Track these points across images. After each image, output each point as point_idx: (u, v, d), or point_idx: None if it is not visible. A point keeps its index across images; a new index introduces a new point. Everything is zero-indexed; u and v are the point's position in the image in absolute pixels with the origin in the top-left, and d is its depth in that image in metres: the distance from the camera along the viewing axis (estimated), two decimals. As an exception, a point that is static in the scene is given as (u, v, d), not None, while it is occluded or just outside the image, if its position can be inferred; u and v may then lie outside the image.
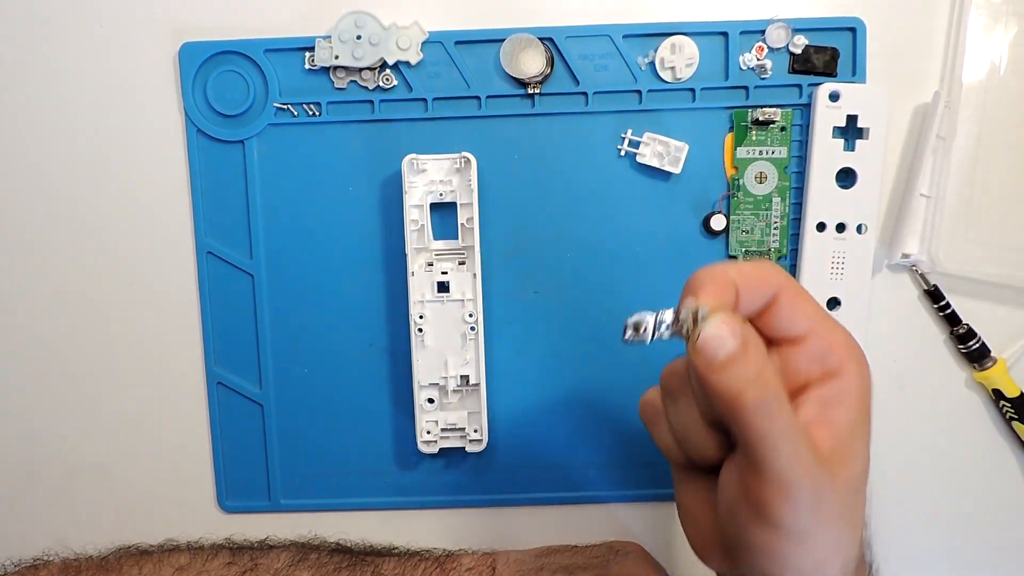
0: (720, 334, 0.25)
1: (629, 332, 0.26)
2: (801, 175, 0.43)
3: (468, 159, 0.41)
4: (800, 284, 0.32)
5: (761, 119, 0.42)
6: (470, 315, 0.42)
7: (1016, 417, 0.44)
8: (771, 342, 0.28)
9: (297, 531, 0.46)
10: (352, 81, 0.43)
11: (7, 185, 0.45)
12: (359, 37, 0.42)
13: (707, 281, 0.26)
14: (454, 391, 0.43)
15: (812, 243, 0.42)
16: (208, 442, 0.45)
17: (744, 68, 0.42)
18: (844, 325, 0.28)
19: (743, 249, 0.43)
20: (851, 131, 0.42)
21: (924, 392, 0.45)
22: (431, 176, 0.42)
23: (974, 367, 0.44)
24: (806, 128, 0.43)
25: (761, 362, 0.25)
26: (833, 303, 0.43)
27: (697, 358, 0.25)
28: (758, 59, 0.42)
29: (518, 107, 0.43)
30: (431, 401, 0.43)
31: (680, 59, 0.42)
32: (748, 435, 0.25)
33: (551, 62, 0.42)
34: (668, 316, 0.26)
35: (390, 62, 0.42)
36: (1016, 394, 0.43)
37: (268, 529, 0.46)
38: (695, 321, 0.25)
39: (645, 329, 0.26)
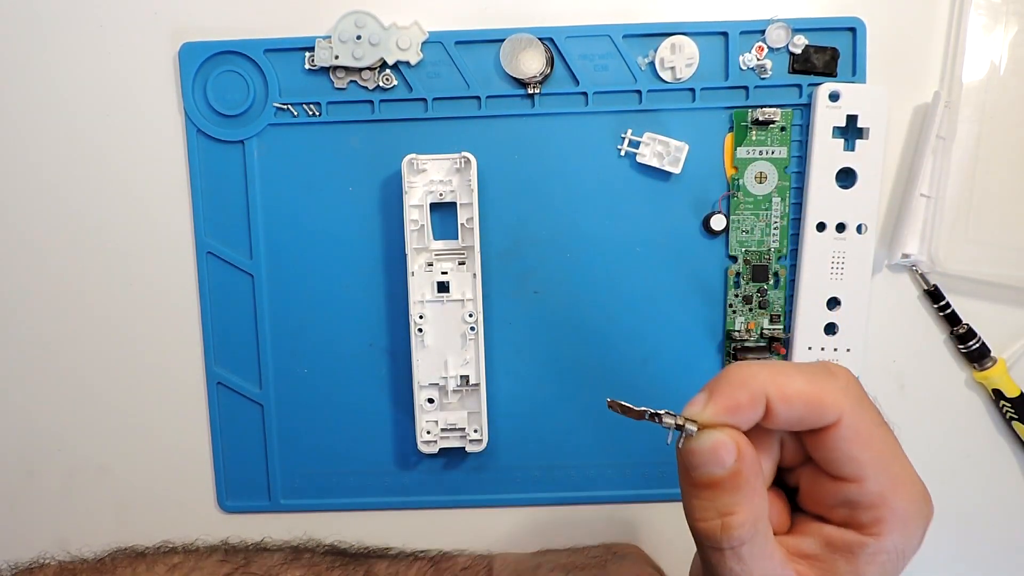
0: (700, 449, 0.24)
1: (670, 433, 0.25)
2: (801, 175, 0.43)
3: (468, 159, 0.41)
4: (873, 411, 0.25)
5: (761, 119, 0.42)
6: (470, 315, 0.42)
7: (1016, 417, 0.43)
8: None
9: (296, 531, 0.46)
10: (352, 81, 0.43)
11: (7, 185, 0.45)
12: (359, 37, 0.42)
13: (722, 389, 0.24)
14: (454, 391, 0.43)
15: (812, 243, 0.42)
16: (208, 442, 0.45)
17: (744, 68, 0.42)
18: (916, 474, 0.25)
19: (743, 249, 0.43)
20: (851, 131, 0.42)
21: (924, 392, 0.45)
22: (431, 176, 0.42)
23: (974, 367, 0.44)
24: (806, 128, 0.43)
25: (747, 505, 0.24)
26: (833, 303, 0.43)
27: (679, 464, 0.24)
28: (758, 59, 0.42)
29: (518, 107, 0.43)
30: (431, 401, 0.43)
31: (680, 59, 0.42)
32: (707, 566, 0.24)
33: (551, 62, 0.42)
34: (669, 421, 0.24)
35: (390, 62, 0.42)
36: (1016, 394, 0.43)
37: (268, 529, 0.46)
38: (681, 430, 0.24)
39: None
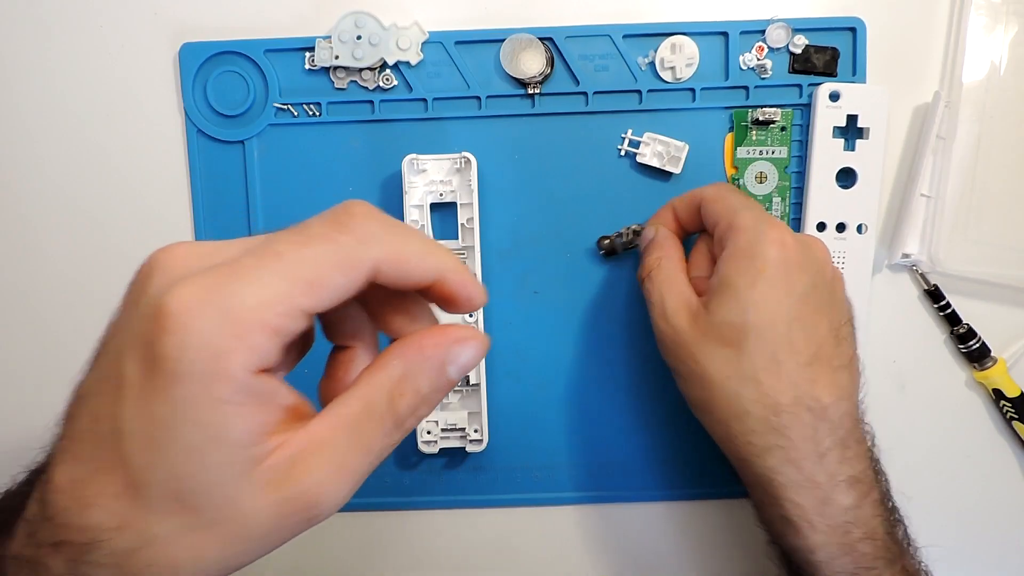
0: (645, 235, 0.40)
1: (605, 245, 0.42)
2: (801, 175, 0.43)
3: (468, 159, 0.41)
4: (728, 191, 0.38)
5: (761, 119, 0.42)
6: (470, 315, 0.42)
7: (1016, 417, 0.43)
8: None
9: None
10: (352, 81, 0.43)
11: (8, 185, 0.44)
12: (359, 37, 0.42)
13: (658, 211, 0.41)
14: (454, 391, 0.43)
15: (812, 243, 0.42)
16: (208, 442, 0.45)
17: (744, 68, 0.42)
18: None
19: (743, 249, 0.44)
20: (851, 131, 0.42)
21: (924, 392, 0.45)
22: (431, 176, 0.42)
23: (974, 367, 0.44)
24: (806, 128, 0.43)
25: (658, 251, 0.39)
26: (833, 303, 0.43)
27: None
28: (758, 59, 0.42)
29: (518, 107, 0.43)
30: (431, 401, 0.43)
31: (680, 59, 0.42)
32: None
33: (551, 62, 0.42)
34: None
35: (390, 62, 0.42)
36: (1016, 394, 0.43)
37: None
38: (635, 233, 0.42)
39: (616, 240, 0.42)
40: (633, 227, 0.42)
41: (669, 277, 0.37)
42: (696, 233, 0.40)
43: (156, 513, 0.20)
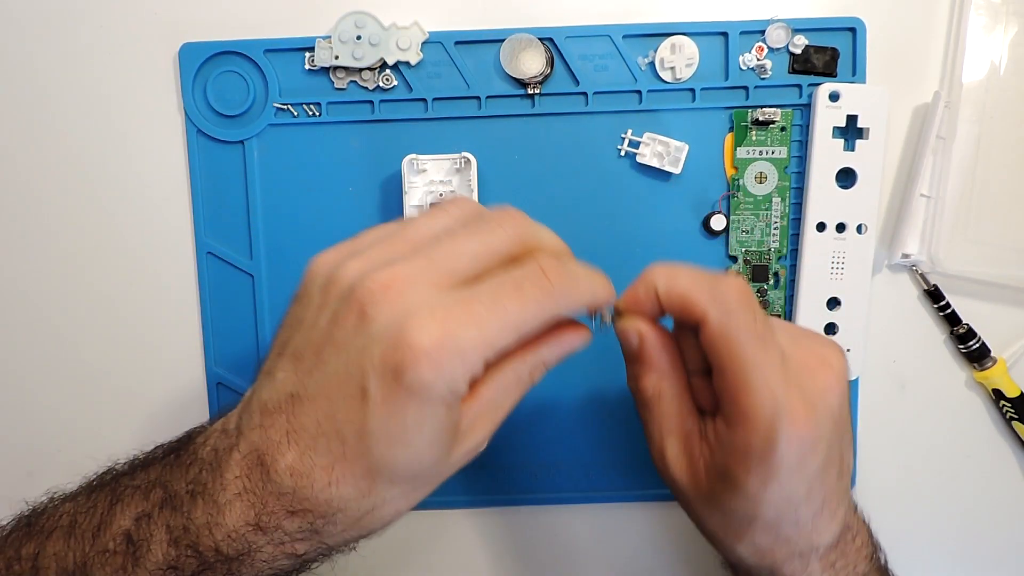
0: (618, 330, 0.31)
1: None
2: (801, 175, 0.43)
3: (468, 159, 0.41)
4: (745, 321, 0.27)
5: (761, 119, 0.42)
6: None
7: (1016, 417, 0.44)
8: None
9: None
10: (352, 81, 0.43)
11: (7, 185, 0.45)
12: (359, 37, 0.42)
13: (631, 284, 0.31)
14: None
15: (812, 243, 0.42)
16: (208, 442, 0.45)
17: (744, 68, 0.42)
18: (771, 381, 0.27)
19: (743, 249, 0.43)
20: (851, 131, 0.42)
21: (924, 392, 0.45)
22: (431, 176, 0.42)
23: (974, 367, 0.44)
24: (806, 128, 0.43)
25: (654, 373, 0.31)
26: (833, 303, 0.43)
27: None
28: (758, 59, 0.42)
29: (518, 107, 0.43)
30: (431, 401, 0.43)
31: (680, 59, 0.42)
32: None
33: (551, 62, 0.42)
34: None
35: (390, 62, 0.42)
36: (1016, 394, 0.43)
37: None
38: (602, 316, 0.31)
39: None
40: (611, 307, 0.31)
41: (669, 411, 0.31)
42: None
43: (390, 486, 0.27)
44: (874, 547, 0.34)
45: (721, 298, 0.28)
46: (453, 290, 0.26)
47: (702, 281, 0.28)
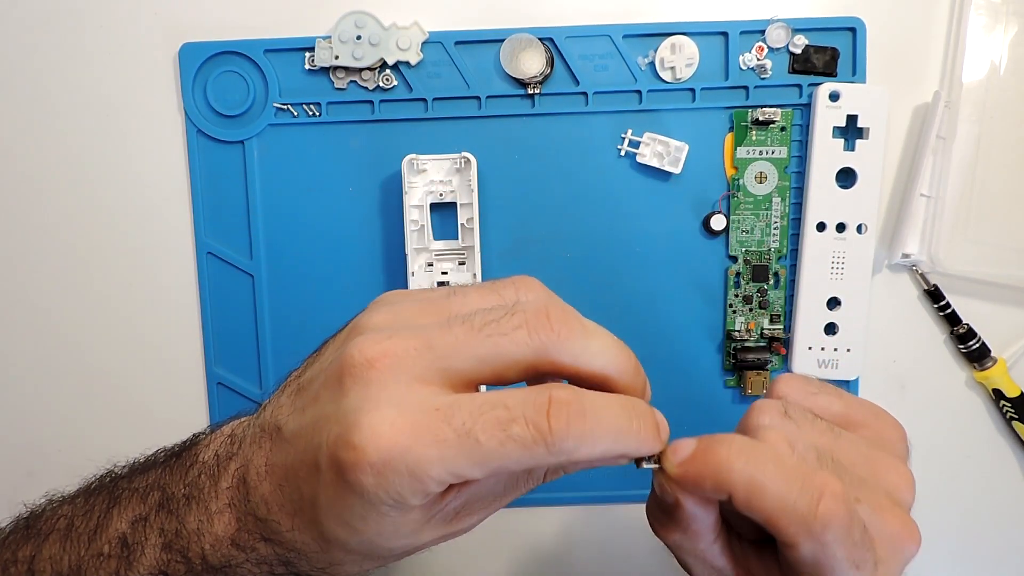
0: (660, 495, 0.25)
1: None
2: (801, 175, 0.43)
3: (468, 159, 0.41)
4: (842, 550, 0.23)
5: (761, 119, 0.42)
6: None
7: (1016, 417, 0.43)
8: None
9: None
10: (352, 81, 0.43)
11: (7, 185, 0.45)
12: (359, 37, 0.42)
13: (700, 463, 0.24)
14: (454, 391, 0.43)
15: (812, 243, 0.42)
16: (208, 442, 0.45)
17: (744, 68, 0.42)
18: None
19: (743, 249, 0.43)
20: (851, 131, 0.42)
21: (924, 392, 0.45)
22: (431, 176, 0.42)
23: (974, 367, 0.44)
24: (806, 128, 0.43)
25: (675, 531, 0.26)
26: (833, 303, 0.43)
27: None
28: (758, 59, 0.42)
29: (518, 107, 0.43)
30: (431, 401, 0.43)
31: (680, 59, 0.42)
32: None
33: (551, 62, 0.42)
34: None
35: (390, 62, 0.42)
36: (1016, 394, 0.43)
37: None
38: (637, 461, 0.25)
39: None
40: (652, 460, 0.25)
41: (697, 568, 0.27)
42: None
43: (346, 554, 0.25)
44: None
45: (819, 529, 0.22)
46: (440, 391, 0.23)
47: (794, 496, 0.22)
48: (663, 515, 0.26)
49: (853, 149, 0.42)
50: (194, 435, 0.30)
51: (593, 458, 0.23)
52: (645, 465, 0.24)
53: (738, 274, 0.44)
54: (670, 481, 0.24)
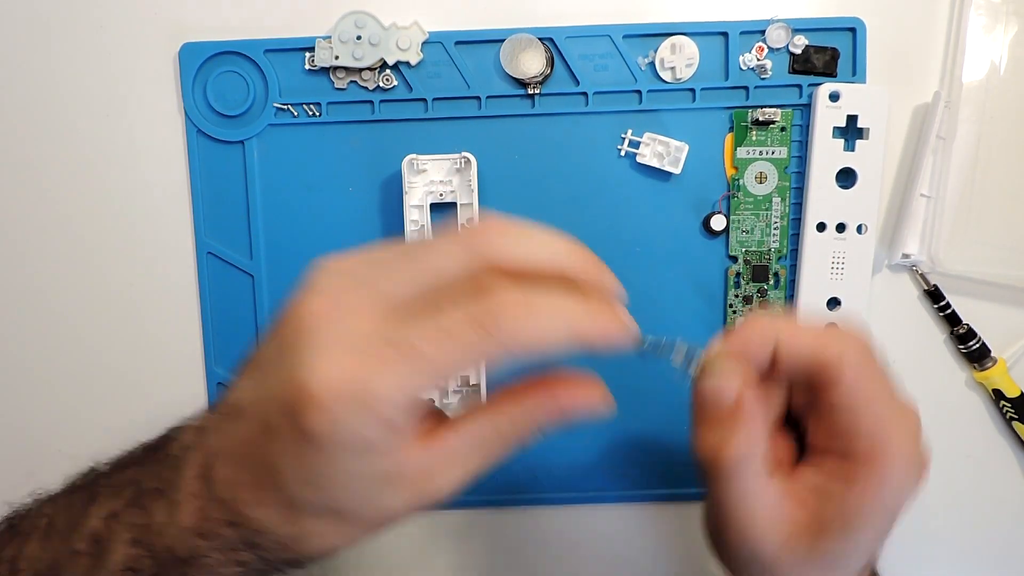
0: (709, 385, 0.27)
1: (678, 357, 0.28)
2: (801, 175, 0.43)
3: (468, 159, 0.41)
4: (875, 372, 0.27)
5: (761, 119, 0.42)
6: (470, 315, 0.42)
7: (1016, 417, 0.43)
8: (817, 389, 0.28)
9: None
10: (352, 81, 0.43)
11: (7, 185, 0.45)
12: (359, 37, 0.42)
13: (738, 330, 0.27)
14: (454, 392, 0.43)
15: (812, 243, 0.42)
16: (208, 442, 0.45)
17: (744, 68, 0.42)
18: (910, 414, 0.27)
19: (743, 249, 0.43)
20: (851, 131, 0.42)
21: (924, 392, 0.45)
22: (431, 176, 0.42)
23: (974, 367, 0.44)
24: (806, 128, 0.43)
25: (743, 434, 0.27)
26: (833, 303, 0.43)
27: (692, 395, 0.28)
28: (758, 59, 0.42)
29: (518, 107, 0.43)
30: (431, 401, 0.43)
31: (680, 59, 0.42)
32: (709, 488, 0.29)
33: (551, 62, 0.42)
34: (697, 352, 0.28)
35: (390, 62, 0.42)
36: (1016, 394, 0.43)
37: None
38: (700, 364, 0.27)
39: (680, 358, 0.28)
40: (684, 347, 0.29)
41: (759, 475, 0.28)
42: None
43: (313, 519, 0.25)
44: None
45: (851, 357, 0.26)
46: (381, 323, 0.23)
47: (828, 338, 0.27)
48: (720, 429, 0.27)
49: (853, 149, 0.42)
50: (170, 429, 0.30)
51: (545, 343, 0.24)
52: (694, 366, 0.27)
53: (738, 274, 0.44)
54: (720, 372, 0.27)
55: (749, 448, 0.27)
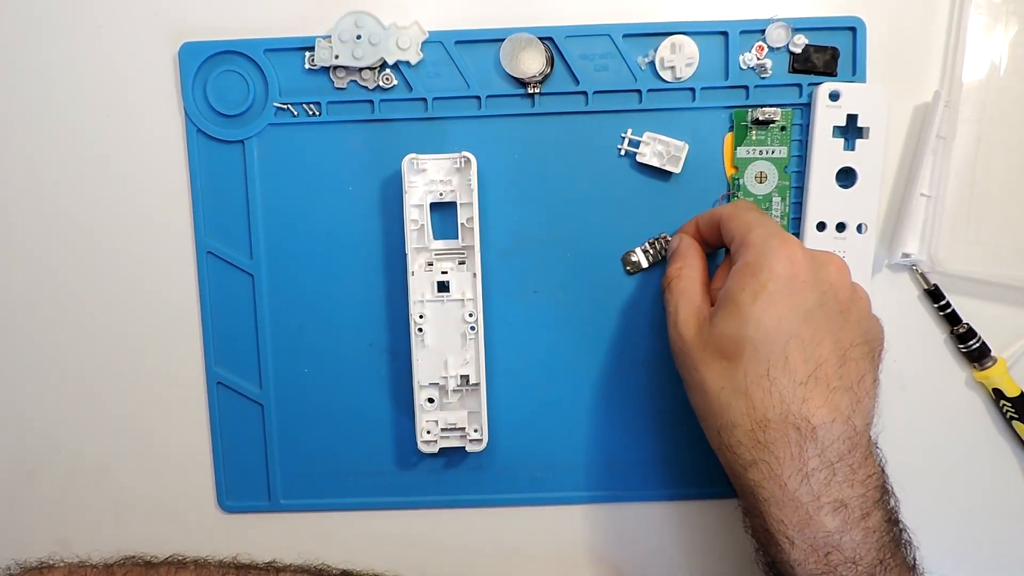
0: (671, 244, 0.42)
1: (630, 267, 0.43)
2: (801, 175, 0.43)
3: (468, 159, 0.41)
4: (745, 209, 0.39)
5: (761, 119, 0.42)
6: (470, 315, 0.42)
7: (1016, 417, 0.43)
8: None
9: (297, 531, 0.46)
10: (352, 81, 0.43)
11: (7, 185, 0.45)
12: (359, 37, 0.42)
13: (684, 225, 0.42)
14: (454, 391, 0.43)
15: (812, 243, 0.42)
16: (208, 442, 0.45)
17: (744, 68, 0.42)
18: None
19: (743, 249, 0.43)
20: (851, 131, 0.42)
21: (924, 392, 0.45)
22: (431, 176, 0.42)
23: (974, 367, 0.44)
24: (806, 128, 0.43)
25: (680, 261, 0.40)
26: (833, 303, 0.43)
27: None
28: (758, 59, 0.42)
29: (518, 107, 0.43)
30: (431, 401, 0.43)
31: (680, 59, 0.42)
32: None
33: (551, 62, 0.42)
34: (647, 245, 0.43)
35: (390, 62, 0.42)
36: (1016, 394, 0.43)
37: (268, 528, 0.46)
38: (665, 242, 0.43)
39: (638, 260, 0.43)
40: (663, 235, 0.43)
41: (686, 287, 0.39)
42: (722, 248, 0.42)
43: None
44: (885, 490, 0.35)
45: (736, 204, 0.41)
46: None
47: (723, 207, 0.40)
48: (671, 261, 0.41)
49: (853, 149, 0.42)
50: None
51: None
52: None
53: (738, 274, 0.44)
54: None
55: (681, 270, 0.39)
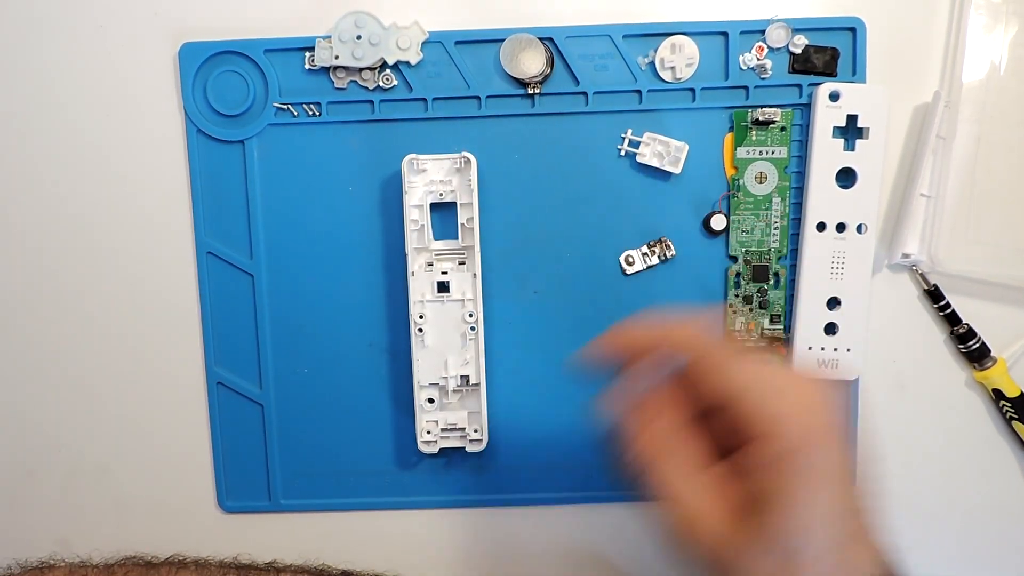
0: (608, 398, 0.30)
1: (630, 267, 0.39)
2: (801, 175, 0.43)
3: (468, 159, 0.41)
4: (729, 347, 0.29)
5: (761, 119, 0.42)
6: (470, 315, 0.42)
7: (1016, 417, 0.43)
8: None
9: (297, 531, 0.46)
10: (352, 81, 0.43)
11: (7, 185, 0.45)
12: (359, 37, 0.42)
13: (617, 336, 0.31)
14: (454, 391, 0.43)
15: (812, 243, 0.42)
16: (208, 442, 0.45)
17: (744, 68, 0.42)
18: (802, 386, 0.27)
19: (743, 249, 0.43)
20: (851, 131, 0.42)
21: (924, 392, 0.45)
22: (431, 176, 0.42)
23: (974, 367, 0.44)
24: (806, 128, 0.43)
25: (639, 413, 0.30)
26: (833, 303, 0.43)
27: None
28: (758, 59, 0.42)
29: (518, 107, 0.43)
30: (431, 401, 0.43)
31: (680, 59, 0.42)
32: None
33: (551, 62, 0.42)
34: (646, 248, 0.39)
35: (390, 62, 0.42)
36: (1016, 394, 0.43)
37: (268, 528, 0.46)
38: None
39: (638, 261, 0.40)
40: (664, 239, 0.36)
41: (685, 472, 0.28)
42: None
43: None
44: None
45: (702, 336, 0.28)
46: None
47: (679, 326, 0.29)
48: (636, 420, 0.31)
49: (853, 149, 0.42)
50: None
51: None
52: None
53: (738, 274, 0.44)
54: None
55: (667, 434, 0.29)
